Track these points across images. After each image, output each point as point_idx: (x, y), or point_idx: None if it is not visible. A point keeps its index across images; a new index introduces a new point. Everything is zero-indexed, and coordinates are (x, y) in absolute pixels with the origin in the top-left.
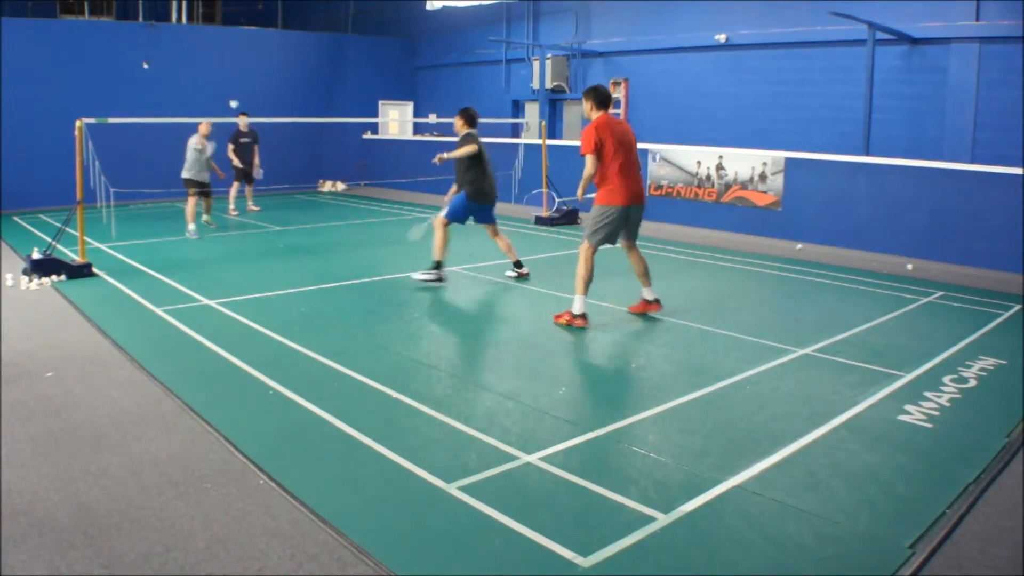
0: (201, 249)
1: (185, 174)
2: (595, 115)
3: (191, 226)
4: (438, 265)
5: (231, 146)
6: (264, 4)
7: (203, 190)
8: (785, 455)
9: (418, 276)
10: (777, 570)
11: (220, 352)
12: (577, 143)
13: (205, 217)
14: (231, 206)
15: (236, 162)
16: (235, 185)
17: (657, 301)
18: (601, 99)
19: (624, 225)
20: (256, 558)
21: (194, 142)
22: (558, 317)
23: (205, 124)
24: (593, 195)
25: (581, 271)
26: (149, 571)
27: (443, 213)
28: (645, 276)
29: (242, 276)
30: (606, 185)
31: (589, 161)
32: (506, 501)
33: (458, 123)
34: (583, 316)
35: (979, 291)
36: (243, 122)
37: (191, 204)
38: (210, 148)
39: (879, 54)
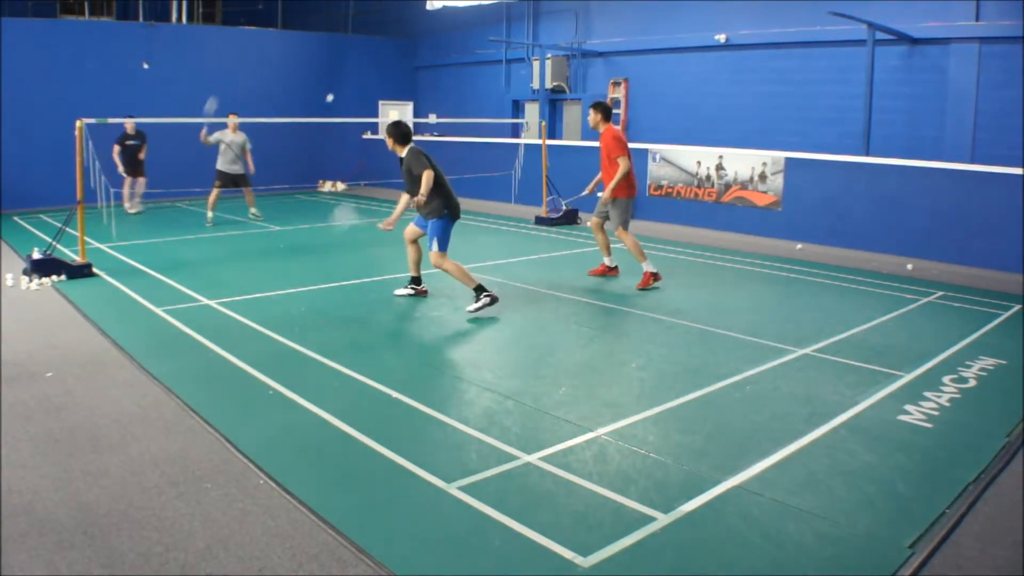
0: (201, 249)
1: (218, 166)
2: (604, 126)
3: (209, 214)
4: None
5: (117, 148)
6: (264, 4)
7: (235, 182)
8: (785, 455)
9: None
10: (777, 570)
11: (220, 352)
12: (577, 143)
13: (252, 210)
14: (126, 204)
15: (120, 166)
16: (127, 182)
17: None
18: (608, 113)
19: None
20: (256, 558)
21: (220, 135)
22: (640, 285)
23: (232, 118)
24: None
25: (634, 247)
26: (149, 571)
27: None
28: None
29: (242, 276)
30: (628, 180)
31: (626, 162)
32: (506, 501)
33: None
34: (656, 273)
35: (979, 291)
36: (130, 124)
37: (214, 194)
38: (238, 141)
39: (879, 54)
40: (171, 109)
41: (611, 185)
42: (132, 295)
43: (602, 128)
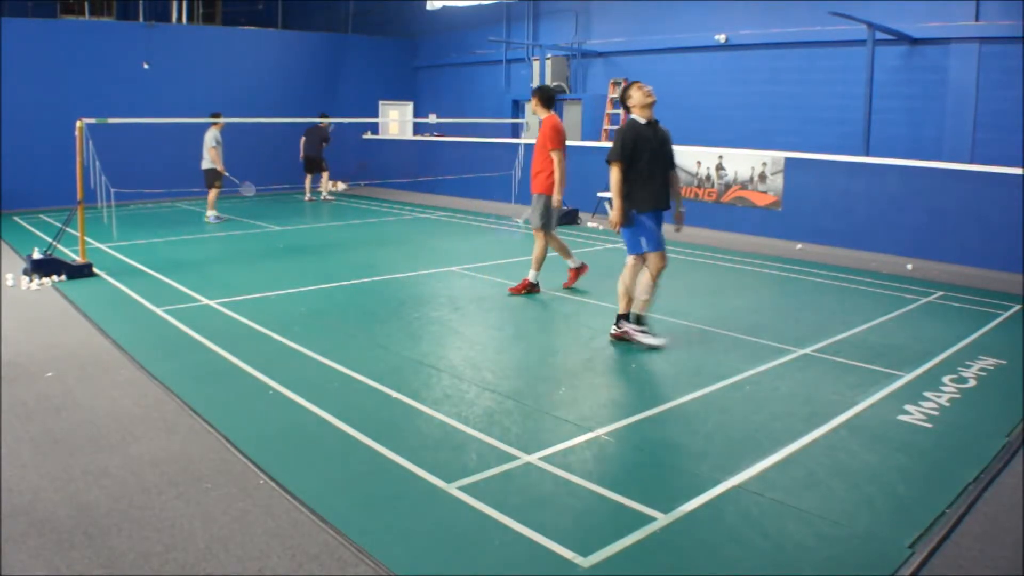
0: (201, 249)
1: (216, 166)
2: (544, 113)
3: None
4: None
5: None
6: (264, 4)
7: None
8: (785, 455)
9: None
10: (777, 570)
11: (220, 352)
12: (577, 143)
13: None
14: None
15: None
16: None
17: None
18: (549, 98)
19: None
20: (256, 558)
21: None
22: (514, 290)
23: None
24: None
25: (540, 256)
26: (149, 571)
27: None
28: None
29: (242, 276)
30: (555, 178)
31: (560, 156)
32: (506, 501)
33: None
34: (536, 285)
35: (979, 291)
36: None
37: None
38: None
39: (879, 54)
40: (171, 109)
41: (557, 182)
42: (132, 295)
43: (542, 115)
